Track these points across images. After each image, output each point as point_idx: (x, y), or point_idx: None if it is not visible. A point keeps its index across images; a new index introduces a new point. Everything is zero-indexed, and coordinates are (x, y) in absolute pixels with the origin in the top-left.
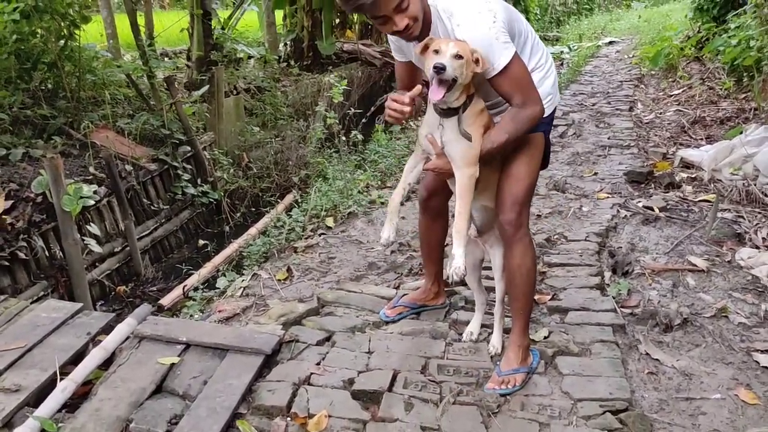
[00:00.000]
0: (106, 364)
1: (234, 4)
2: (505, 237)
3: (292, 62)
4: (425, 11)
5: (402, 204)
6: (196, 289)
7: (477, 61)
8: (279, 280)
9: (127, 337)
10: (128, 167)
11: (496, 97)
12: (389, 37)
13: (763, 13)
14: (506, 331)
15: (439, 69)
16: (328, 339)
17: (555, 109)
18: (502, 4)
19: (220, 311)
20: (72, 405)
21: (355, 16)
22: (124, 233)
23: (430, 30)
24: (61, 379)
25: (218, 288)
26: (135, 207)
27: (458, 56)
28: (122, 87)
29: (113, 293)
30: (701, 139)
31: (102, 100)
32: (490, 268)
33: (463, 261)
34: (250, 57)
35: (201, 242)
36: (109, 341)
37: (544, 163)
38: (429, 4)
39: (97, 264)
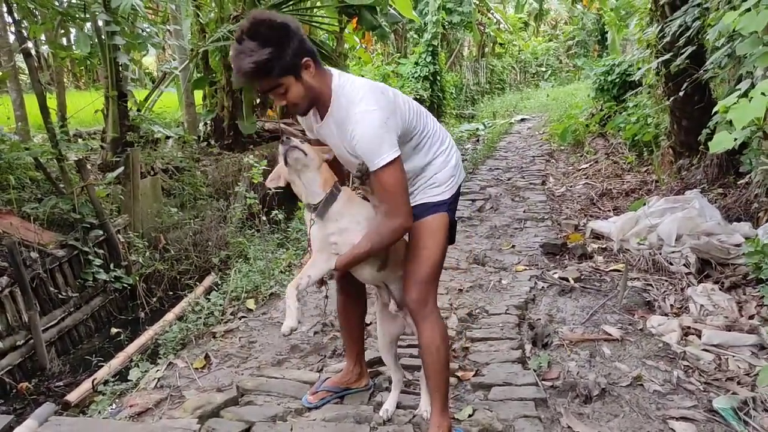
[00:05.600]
0: None
1: (152, 85)
2: (412, 315)
3: (213, 141)
4: (321, 91)
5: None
6: (106, 382)
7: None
8: (196, 368)
9: None
10: (34, 254)
11: None
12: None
13: (656, 93)
14: None
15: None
16: (248, 430)
17: (459, 187)
18: (400, 102)
19: (131, 406)
20: None
21: None
22: (28, 325)
23: (329, 109)
24: None
25: (131, 380)
26: (41, 296)
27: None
28: (30, 170)
29: (15, 391)
30: (609, 210)
31: (7, 185)
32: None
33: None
34: (168, 137)
35: (113, 331)
36: None
37: (451, 240)
38: (333, 85)
39: None
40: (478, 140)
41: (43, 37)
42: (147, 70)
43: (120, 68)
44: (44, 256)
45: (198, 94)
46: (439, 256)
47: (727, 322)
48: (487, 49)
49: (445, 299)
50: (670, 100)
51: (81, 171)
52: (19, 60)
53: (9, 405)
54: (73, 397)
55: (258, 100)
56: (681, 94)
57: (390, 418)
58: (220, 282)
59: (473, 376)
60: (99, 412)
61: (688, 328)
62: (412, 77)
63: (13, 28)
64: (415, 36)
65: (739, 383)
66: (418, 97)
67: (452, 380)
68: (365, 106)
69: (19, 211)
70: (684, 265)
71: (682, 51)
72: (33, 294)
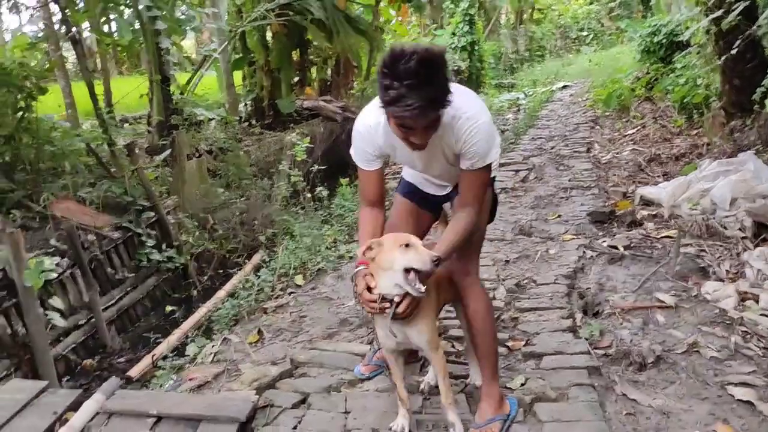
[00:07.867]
0: None
1: (193, 68)
2: (458, 286)
3: (254, 121)
4: None
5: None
6: (165, 357)
7: None
8: (250, 343)
9: (96, 414)
10: (91, 237)
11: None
12: (360, 147)
13: (706, 52)
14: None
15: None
16: (303, 401)
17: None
18: None
19: (191, 379)
20: None
21: (314, 74)
22: (89, 305)
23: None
24: None
25: (188, 355)
26: (99, 277)
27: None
28: (83, 156)
29: (79, 368)
30: (658, 176)
31: (62, 171)
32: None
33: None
34: (210, 119)
35: (168, 309)
36: (77, 420)
37: (492, 217)
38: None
39: (61, 338)
40: (518, 110)
41: (86, 25)
42: (186, 54)
43: (162, 53)
44: (101, 238)
45: (237, 75)
46: (481, 228)
47: None
48: (525, 16)
49: (492, 270)
50: (721, 59)
51: (131, 155)
52: (64, 48)
53: (75, 381)
54: (134, 372)
55: (296, 79)
56: (733, 52)
57: (430, 390)
58: (268, 259)
59: (524, 345)
60: (161, 386)
61: (745, 293)
62: (450, 48)
63: (56, 18)
64: (451, 6)
65: None
66: (456, 68)
67: (503, 350)
68: (472, 110)
69: (75, 195)
70: (739, 229)
71: (734, 7)
72: (92, 275)
